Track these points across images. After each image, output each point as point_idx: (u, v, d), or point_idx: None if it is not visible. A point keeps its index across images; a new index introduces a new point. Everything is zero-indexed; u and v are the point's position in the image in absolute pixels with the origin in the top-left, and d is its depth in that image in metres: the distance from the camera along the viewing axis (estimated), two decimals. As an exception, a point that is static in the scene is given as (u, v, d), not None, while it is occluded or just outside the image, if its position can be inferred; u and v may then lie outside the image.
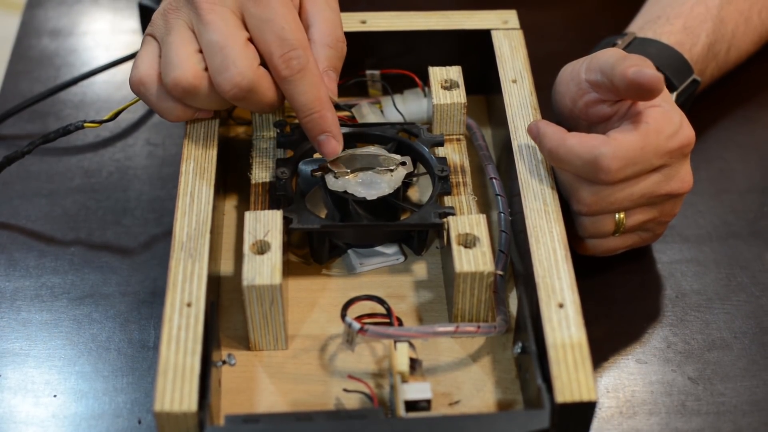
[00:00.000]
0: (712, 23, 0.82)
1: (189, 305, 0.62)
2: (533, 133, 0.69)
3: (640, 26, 0.82)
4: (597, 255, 0.72)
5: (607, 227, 0.69)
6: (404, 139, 0.75)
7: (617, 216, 0.69)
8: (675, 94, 0.77)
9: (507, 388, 0.66)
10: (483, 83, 0.82)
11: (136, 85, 0.69)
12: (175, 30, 0.68)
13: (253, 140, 0.76)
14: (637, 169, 0.66)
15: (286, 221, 0.68)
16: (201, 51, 0.67)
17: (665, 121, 0.66)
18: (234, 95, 0.67)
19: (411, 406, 0.61)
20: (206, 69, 0.67)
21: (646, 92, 0.65)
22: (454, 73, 0.77)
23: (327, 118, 0.68)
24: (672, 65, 0.78)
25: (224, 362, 0.64)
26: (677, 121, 0.67)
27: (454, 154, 0.75)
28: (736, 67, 0.87)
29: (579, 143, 0.66)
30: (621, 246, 0.72)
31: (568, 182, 0.68)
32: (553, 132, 0.67)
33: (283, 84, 0.67)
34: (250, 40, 0.68)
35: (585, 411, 0.59)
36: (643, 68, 0.64)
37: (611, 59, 0.67)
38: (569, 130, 0.71)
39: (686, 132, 0.67)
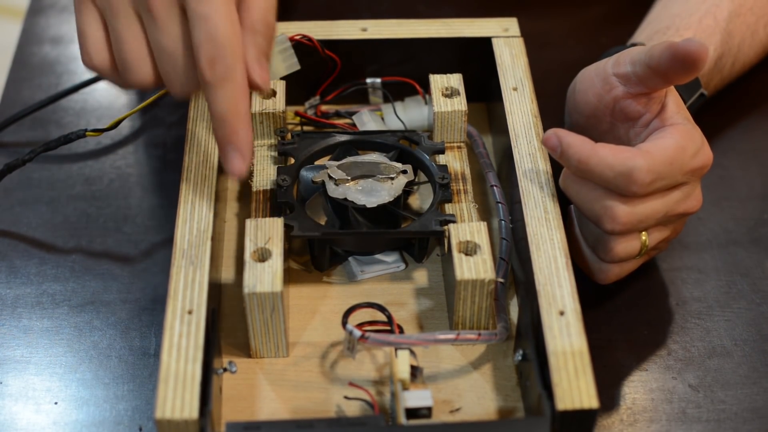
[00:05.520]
0: (720, 36, 0.81)
1: (190, 312, 0.63)
2: (552, 143, 0.66)
3: (649, 36, 0.80)
4: (614, 280, 0.70)
5: (635, 248, 0.67)
6: (405, 147, 0.75)
7: (642, 236, 0.67)
8: None
9: (508, 395, 0.66)
10: (484, 91, 0.82)
11: (90, 68, 0.66)
12: (123, 16, 0.64)
13: (254, 148, 0.76)
14: (664, 184, 0.65)
15: (287, 229, 0.69)
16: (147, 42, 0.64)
17: (689, 139, 0.66)
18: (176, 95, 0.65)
19: (412, 413, 0.61)
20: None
21: (692, 62, 0.64)
22: (455, 80, 0.77)
23: (238, 133, 0.64)
24: None
25: (225, 369, 0.64)
26: (699, 141, 0.67)
27: (455, 161, 0.75)
28: (738, 78, 0.87)
29: (612, 154, 0.64)
30: (634, 268, 0.71)
31: (594, 202, 0.66)
32: (581, 142, 0.65)
33: (204, 87, 0.63)
34: None
35: (586, 418, 0.59)
36: (689, 39, 0.63)
37: (643, 50, 0.66)
38: (589, 131, 0.70)
39: (707, 152, 0.67)
